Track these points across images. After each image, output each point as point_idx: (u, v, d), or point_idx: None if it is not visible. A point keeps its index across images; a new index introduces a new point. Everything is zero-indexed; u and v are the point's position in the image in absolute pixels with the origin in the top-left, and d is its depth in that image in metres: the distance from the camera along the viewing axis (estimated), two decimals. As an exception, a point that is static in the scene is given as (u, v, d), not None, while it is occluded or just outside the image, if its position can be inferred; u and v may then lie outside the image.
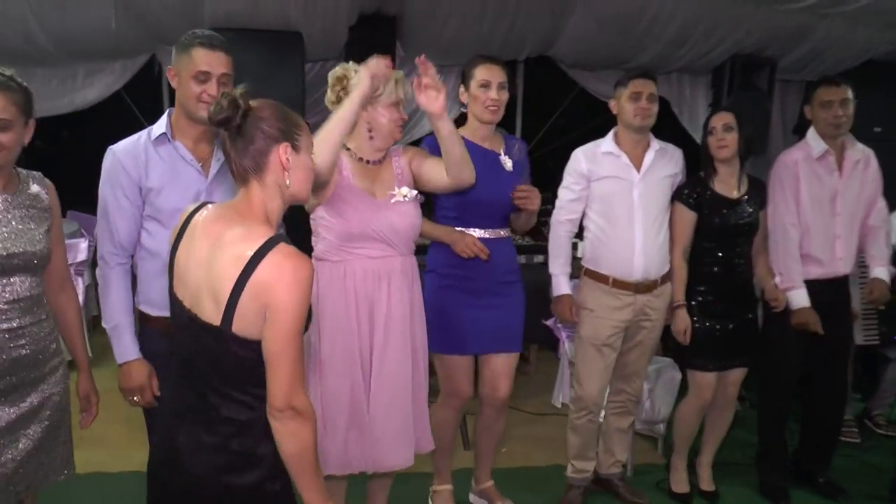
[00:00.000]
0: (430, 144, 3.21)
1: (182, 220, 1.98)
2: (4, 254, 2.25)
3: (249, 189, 1.92)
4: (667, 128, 6.85)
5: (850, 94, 3.63)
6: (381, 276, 2.82)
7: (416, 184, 2.97)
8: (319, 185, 2.68)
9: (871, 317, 4.54)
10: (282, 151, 1.89)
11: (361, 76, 2.69)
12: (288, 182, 1.92)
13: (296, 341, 1.84)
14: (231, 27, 5.22)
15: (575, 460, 3.75)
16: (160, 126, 2.63)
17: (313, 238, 2.89)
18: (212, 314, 1.84)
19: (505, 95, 3.26)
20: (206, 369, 1.90)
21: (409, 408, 2.87)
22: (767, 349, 3.84)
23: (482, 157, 3.25)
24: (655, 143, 3.55)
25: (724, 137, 3.60)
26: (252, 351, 1.85)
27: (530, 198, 3.24)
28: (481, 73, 3.24)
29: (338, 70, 2.88)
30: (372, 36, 5.65)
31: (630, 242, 3.44)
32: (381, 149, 2.90)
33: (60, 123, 6.43)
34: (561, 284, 3.54)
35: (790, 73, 6.46)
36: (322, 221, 2.81)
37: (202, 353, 1.89)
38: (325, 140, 2.60)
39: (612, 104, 3.54)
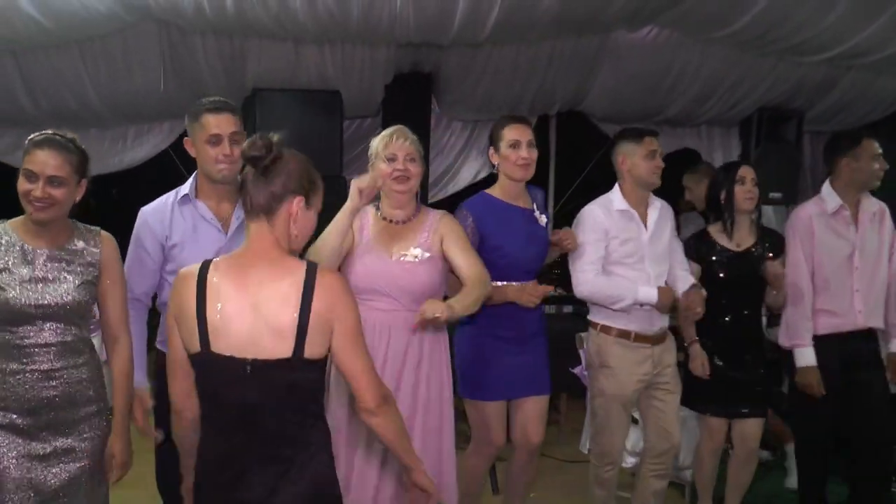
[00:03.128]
0: (473, 210, 3.32)
1: (194, 284, 2.04)
2: (33, 304, 2.41)
3: (261, 227, 2.04)
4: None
5: None
6: (383, 329, 2.96)
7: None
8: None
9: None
10: (296, 203, 2.04)
11: (351, 191, 2.82)
12: (295, 231, 2.07)
13: (363, 341, 2.09)
14: (272, 87, 5.47)
15: None
16: (186, 187, 2.86)
17: None
18: (278, 349, 1.98)
19: (534, 153, 3.34)
20: (276, 409, 2.02)
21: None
22: (795, 404, 3.86)
23: (521, 217, 3.38)
24: (656, 200, 3.58)
25: (752, 189, 3.69)
26: (319, 370, 2.06)
27: (568, 238, 3.37)
28: (510, 133, 3.32)
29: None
30: (408, 93, 5.88)
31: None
32: (397, 207, 3.04)
33: (111, 182, 6.69)
34: (648, 293, 3.41)
35: (818, 124, 6.52)
36: None
37: (271, 393, 2.00)
38: (320, 249, 2.78)
39: (622, 160, 3.50)
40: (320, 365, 2.04)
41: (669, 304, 3.48)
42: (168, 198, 2.88)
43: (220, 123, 2.76)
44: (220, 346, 2.00)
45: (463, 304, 2.86)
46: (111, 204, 8.12)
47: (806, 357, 3.63)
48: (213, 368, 2.03)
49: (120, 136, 6.14)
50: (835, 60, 5.09)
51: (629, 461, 4.22)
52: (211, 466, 2.08)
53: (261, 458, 2.03)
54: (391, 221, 3.04)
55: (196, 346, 2.02)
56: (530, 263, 3.37)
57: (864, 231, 3.68)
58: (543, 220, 3.44)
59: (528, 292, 3.24)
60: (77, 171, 2.46)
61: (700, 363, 3.65)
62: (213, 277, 2.04)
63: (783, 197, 6.16)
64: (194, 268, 2.08)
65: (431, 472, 2.95)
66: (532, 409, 3.47)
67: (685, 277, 3.57)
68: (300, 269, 2.03)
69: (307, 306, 1.98)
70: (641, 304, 3.43)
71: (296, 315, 1.97)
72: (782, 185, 6.14)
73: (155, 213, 2.84)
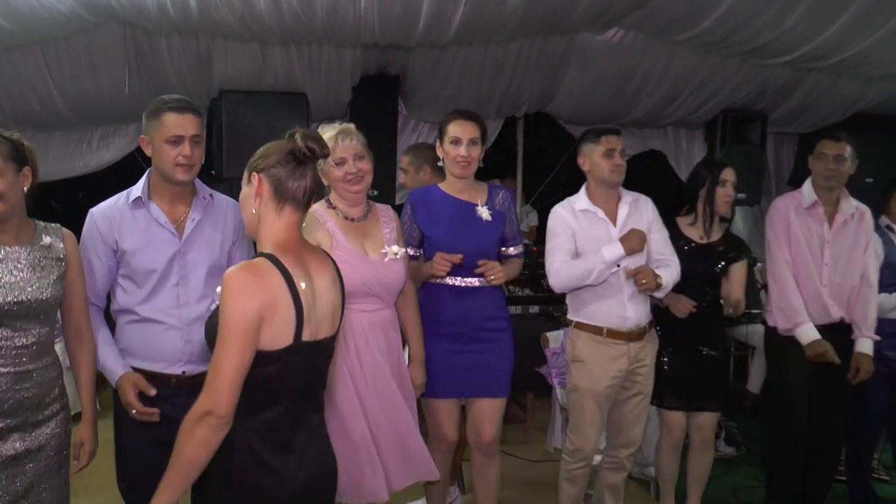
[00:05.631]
0: (412, 201, 3.44)
1: (279, 277, 2.01)
2: (13, 301, 2.39)
3: (298, 218, 2.13)
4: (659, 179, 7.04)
5: (847, 151, 3.74)
6: (376, 328, 3.00)
7: None
8: None
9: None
10: None
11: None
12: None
13: None
14: (239, 89, 5.46)
15: None
16: (138, 188, 2.75)
17: None
18: (328, 330, 2.14)
19: (476, 151, 3.35)
20: (322, 379, 2.21)
21: (397, 444, 3.02)
22: (771, 406, 3.93)
23: (456, 209, 3.40)
24: (627, 196, 3.60)
25: (731, 193, 3.79)
26: None
27: (491, 270, 3.31)
28: (453, 129, 3.35)
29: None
30: (375, 95, 5.89)
31: (620, 296, 3.49)
32: (354, 205, 3.06)
33: (76, 185, 6.63)
34: (612, 249, 3.40)
35: (782, 126, 6.61)
36: None
37: (324, 370, 2.19)
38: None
39: (582, 160, 3.56)
40: None
41: (637, 244, 3.43)
42: (119, 200, 2.77)
43: (184, 124, 2.64)
44: (307, 334, 2.04)
45: (422, 344, 3.30)
46: (77, 207, 8.09)
47: (809, 332, 3.71)
48: (298, 358, 2.05)
49: (85, 139, 6.09)
50: (796, 63, 5.16)
51: (597, 459, 4.25)
52: (267, 450, 2.05)
53: (312, 428, 2.16)
54: (352, 220, 3.05)
55: (287, 341, 2.01)
56: (468, 258, 3.33)
57: (837, 229, 3.76)
58: (486, 213, 3.41)
59: (434, 264, 3.28)
60: (12, 158, 2.40)
61: (683, 304, 3.67)
62: (290, 268, 2.03)
63: (747, 198, 6.25)
64: (263, 262, 2.03)
65: (413, 459, 3.07)
66: (484, 410, 3.48)
67: (670, 267, 3.56)
68: (327, 255, 2.25)
69: (343, 289, 2.21)
70: (618, 264, 3.42)
71: (340, 295, 2.19)
72: (747, 186, 6.21)
73: (103, 216, 2.73)
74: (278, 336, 1.99)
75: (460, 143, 3.33)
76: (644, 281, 3.37)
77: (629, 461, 3.76)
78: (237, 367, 1.95)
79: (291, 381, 2.07)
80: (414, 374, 3.23)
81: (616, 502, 3.82)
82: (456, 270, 3.34)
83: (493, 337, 3.45)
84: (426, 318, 3.37)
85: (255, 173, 2.09)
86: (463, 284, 3.38)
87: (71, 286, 2.57)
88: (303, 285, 2.02)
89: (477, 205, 3.42)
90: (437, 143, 3.46)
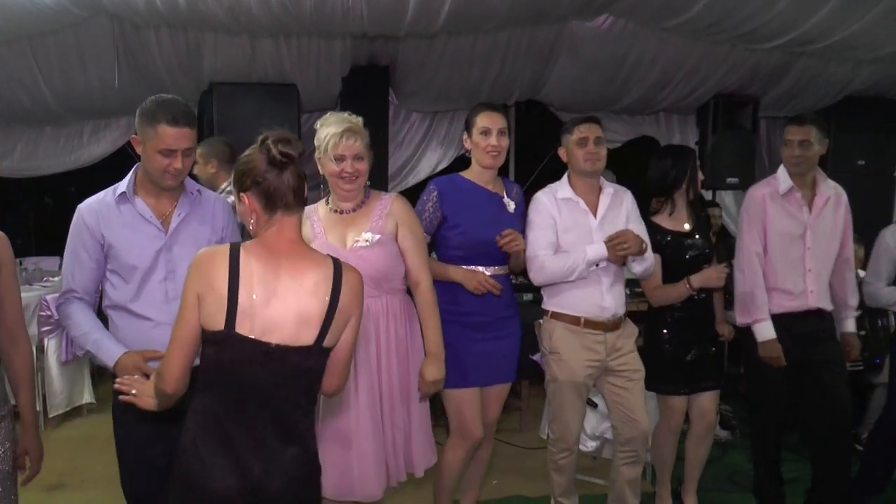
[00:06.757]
0: (439, 187, 3.40)
1: (226, 264, 2.04)
2: None
3: (292, 219, 2.12)
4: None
5: (813, 135, 3.66)
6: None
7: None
8: None
9: (854, 343, 4.65)
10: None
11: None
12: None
13: None
14: (229, 81, 5.46)
15: (562, 497, 3.78)
16: (124, 184, 2.73)
17: None
18: (301, 337, 2.07)
19: (505, 141, 3.37)
20: (288, 391, 2.11)
21: (379, 444, 3.00)
22: (750, 383, 3.94)
23: (488, 199, 3.41)
24: (608, 187, 3.59)
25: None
26: (325, 358, 2.16)
27: (515, 240, 3.32)
28: (482, 120, 3.35)
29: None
30: (365, 86, 5.89)
31: (598, 286, 3.49)
32: (346, 200, 3.05)
33: (68, 179, 6.62)
34: (595, 250, 3.41)
35: (774, 110, 6.61)
36: None
37: (286, 378, 2.09)
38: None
39: (561, 151, 3.56)
40: (328, 354, 2.15)
41: (620, 255, 3.44)
42: (106, 195, 2.75)
43: (178, 138, 2.58)
44: (244, 328, 2.03)
45: (436, 340, 3.08)
46: (69, 202, 8.07)
47: (766, 331, 3.68)
48: (232, 348, 2.04)
49: (76, 133, 6.11)
50: (785, 47, 5.17)
51: (589, 445, 4.26)
52: (208, 444, 2.07)
53: (263, 437, 2.08)
54: (341, 212, 3.05)
55: (219, 325, 2.03)
56: (491, 247, 3.34)
57: (817, 213, 3.75)
58: (512, 206, 3.45)
59: (479, 279, 3.29)
60: None
61: (714, 273, 3.67)
62: (246, 260, 2.06)
63: (740, 182, 6.26)
64: (223, 248, 2.09)
65: (398, 447, 3.06)
66: (493, 392, 3.52)
67: (647, 258, 3.58)
68: (327, 263, 2.14)
69: (335, 299, 2.10)
70: (597, 264, 3.43)
71: (325, 306, 2.08)
72: (739, 171, 6.24)
73: (90, 211, 2.71)
74: (210, 318, 2.04)
75: (490, 133, 3.34)
76: (626, 245, 3.36)
77: (644, 452, 3.72)
78: (179, 337, 2.07)
79: (231, 373, 2.06)
80: (425, 369, 3.09)
81: (636, 497, 3.76)
82: (483, 260, 3.37)
83: (506, 324, 3.47)
84: (447, 308, 3.29)
85: (242, 194, 2.12)
86: (490, 273, 3.38)
87: (4, 289, 2.46)
88: (252, 288, 2.03)
89: (504, 197, 3.46)
90: (464, 135, 3.46)
